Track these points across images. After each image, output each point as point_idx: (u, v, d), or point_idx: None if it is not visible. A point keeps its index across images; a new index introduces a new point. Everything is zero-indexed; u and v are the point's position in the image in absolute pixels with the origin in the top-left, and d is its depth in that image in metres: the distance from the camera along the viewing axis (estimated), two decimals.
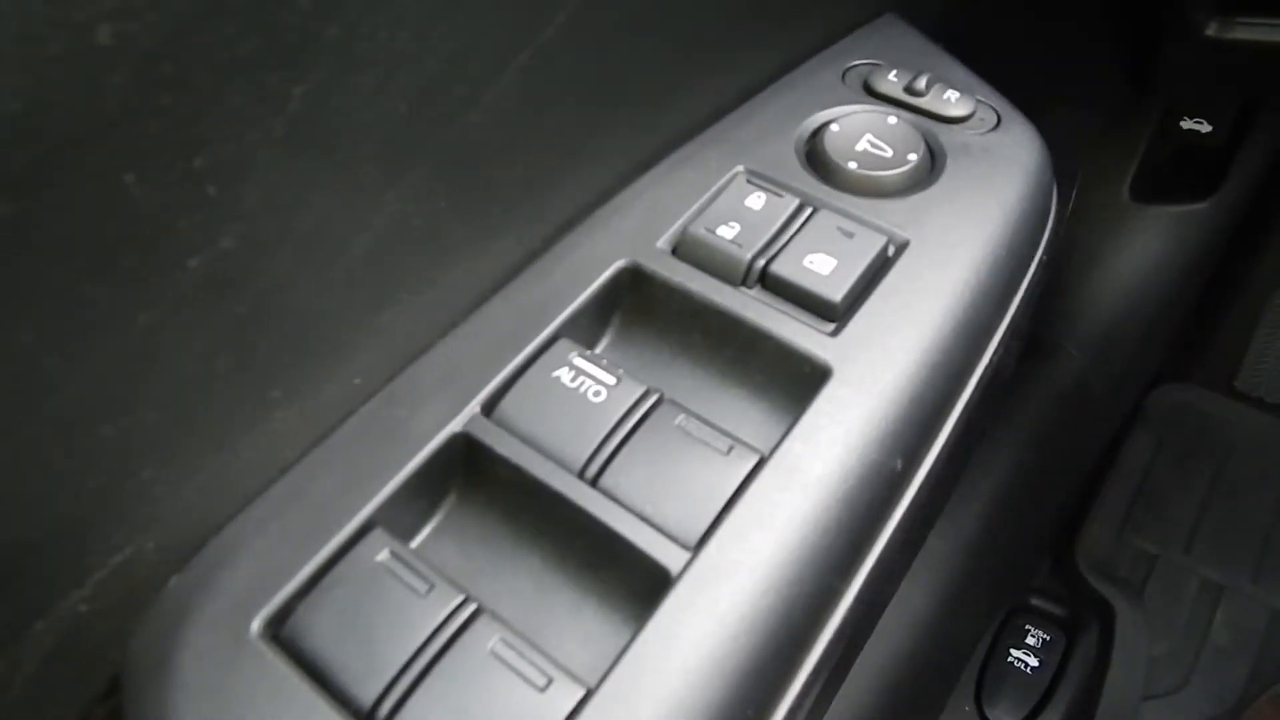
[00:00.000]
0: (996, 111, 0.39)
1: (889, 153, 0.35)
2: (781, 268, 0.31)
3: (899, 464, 0.29)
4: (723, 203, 0.34)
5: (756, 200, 0.34)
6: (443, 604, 0.24)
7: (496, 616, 0.24)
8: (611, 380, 0.29)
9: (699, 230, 0.32)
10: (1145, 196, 0.94)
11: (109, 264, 0.20)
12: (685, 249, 0.32)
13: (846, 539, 0.27)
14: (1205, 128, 0.90)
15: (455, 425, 0.28)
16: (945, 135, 0.37)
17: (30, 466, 0.21)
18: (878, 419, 0.28)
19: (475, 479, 0.28)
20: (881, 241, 0.32)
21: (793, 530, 0.26)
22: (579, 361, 0.29)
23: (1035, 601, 0.88)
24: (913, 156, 0.35)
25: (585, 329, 0.32)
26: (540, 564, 0.27)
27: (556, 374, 0.29)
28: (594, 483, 0.27)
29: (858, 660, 0.38)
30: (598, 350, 0.32)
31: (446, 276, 0.30)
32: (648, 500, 0.26)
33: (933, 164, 0.36)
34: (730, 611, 0.24)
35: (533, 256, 0.33)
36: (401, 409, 0.28)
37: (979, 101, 0.39)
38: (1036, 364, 0.92)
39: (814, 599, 0.26)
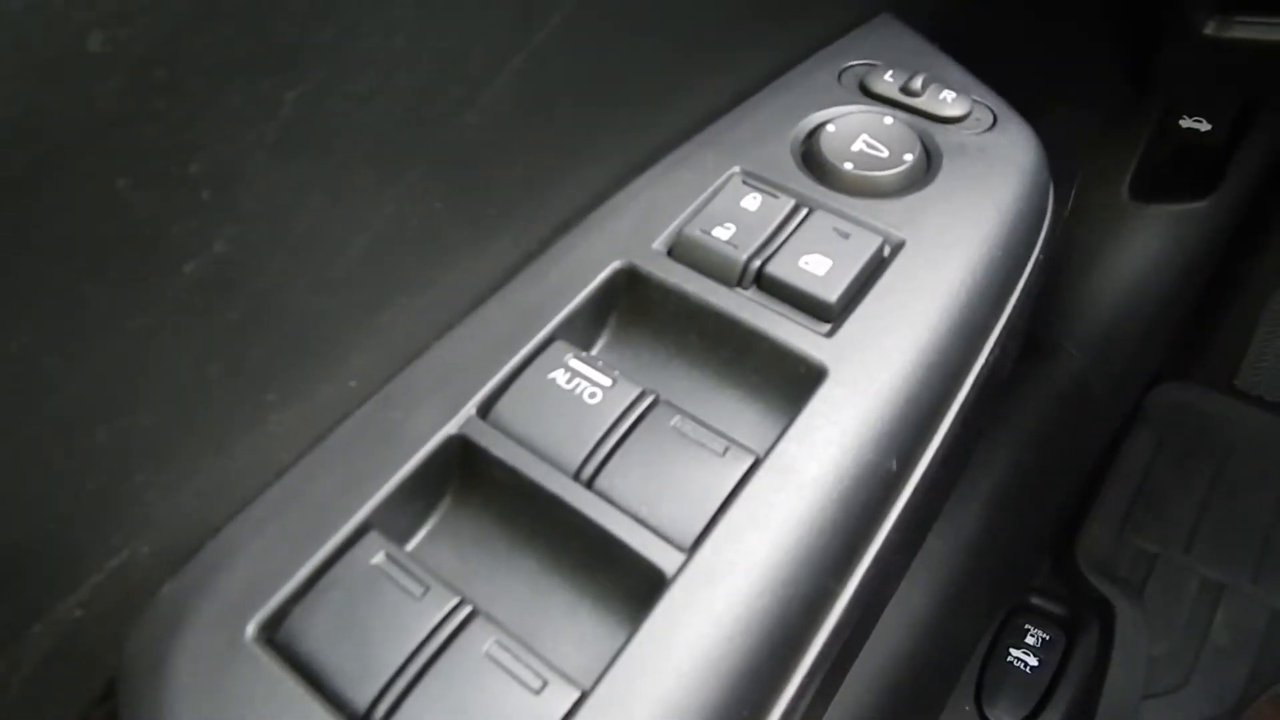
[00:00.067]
0: (993, 111, 0.39)
1: (885, 153, 0.35)
2: (777, 268, 0.31)
3: (894, 464, 0.29)
4: (718, 204, 0.34)
5: (752, 201, 0.34)
6: (438, 606, 0.24)
7: (492, 619, 0.24)
8: (607, 382, 0.29)
9: (695, 231, 0.32)
10: (1144, 195, 0.94)
11: (102, 268, 0.20)
12: (681, 250, 0.32)
13: (842, 540, 0.27)
14: (1204, 127, 0.90)
15: (451, 427, 0.28)
16: (941, 135, 0.37)
17: (25, 471, 0.21)
18: (873, 419, 0.28)
19: (471, 481, 0.28)
20: (877, 242, 0.32)
21: (788, 531, 0.26)
22: (575, 363, 0.29)
23: (1035, 601, 0.88)
24: (908, 157, 0.35)
25: (581, 330, 0.32)
26: (536, 566, 0.27)
27: (552, 376, 0.29)
28: (589, 484, 0.27)
29: (857, 660, 0.38)
30: (594, 352, 0.32)
31: (442, 279, 0.30)
32: (643, 502, 0.26)
33: (929, 164, 0.36)
34: (725, 613, 0.24)
35: (529, 258, 0.33)
36: (397, 411, 0.28)
37: (975, 101, 0.39)
38: (1036, 364, 0.92)
39: (809, 600, 0.26)
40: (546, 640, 0.25)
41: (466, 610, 0.24)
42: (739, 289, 0.31)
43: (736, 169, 0.35)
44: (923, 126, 0.37)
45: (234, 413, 0.25)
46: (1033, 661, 0.83)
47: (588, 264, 0.32)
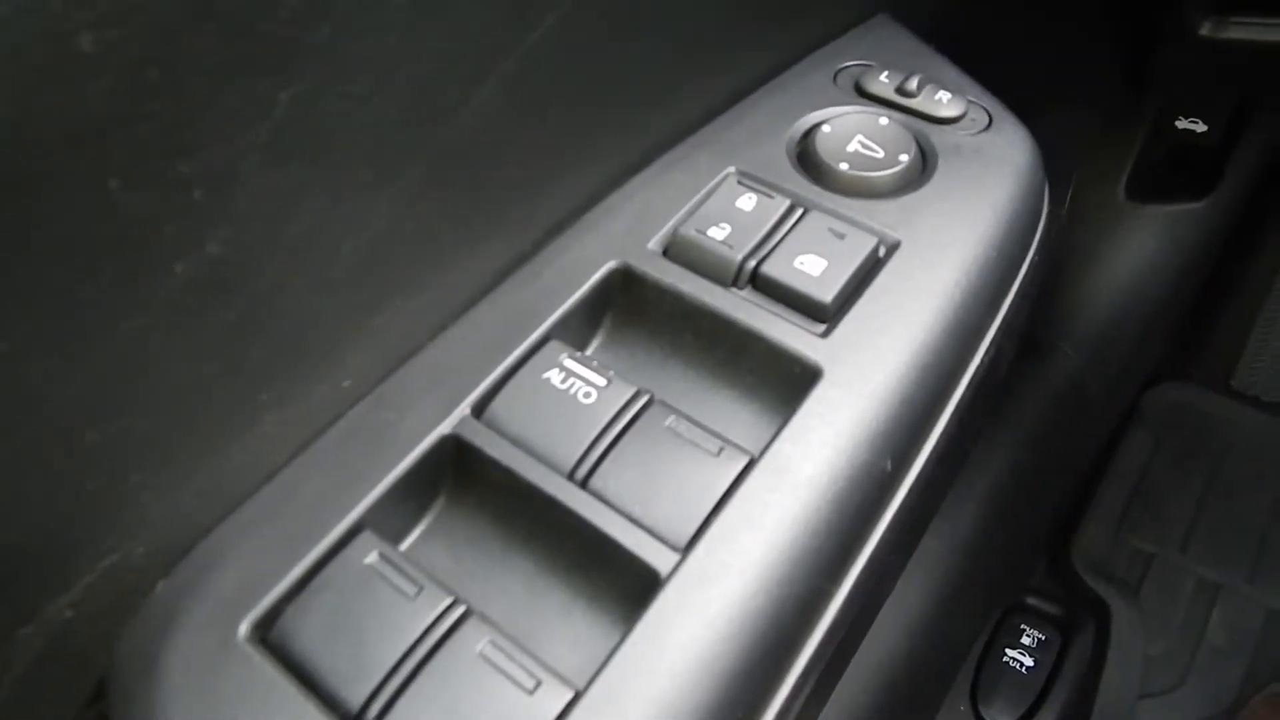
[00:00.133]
0: (988, 112, 0.39)
1: (880, 154, 0.35)
2: (772, 269, 0.31)
3: (890, 465, 0.29)
4: (714, 204, 0.34)
5: (747, 201, 0.34)
6: (432, 606, 0.24)
7: (485, 619, 0.24)
8: (602, 382, 0.29)
9: (690, 231, 0.32)
10: (1141, 196, 0.94)
11: (94, 269, 0.20)
12: (676, 250, 0.32)
13: (836, 540, 0.27)
14: (1200, 127, 0.90)
15: (445, 427, 0.28)
16: (937, 136, 0.37)
17: (18, 471, 0.21)
18: (868, 420, 0.28)
19: (465, 481, 0.28)
20: (872, 242, 0.32)
21: (783, 531, 0.26)
22: (569, 363, 0.29)
23: (1031, 601, 0.88)
24: (904, 157, 0.35)
25: (576, 330, 0.32)
26: (530, 566, 0.27)
27: (547, 375, 0.29)
28: (584, 484, 0.27)
29: (853, 660, 0.38)
30: (588, 352, 0.32)
31: (438, 280, 0.30)
32: (637, 502, 0.26)
33: (924, 165, 0.36)
34: (719, 613, 0.24)
35: (524, 259, 0.33)
36: (391, 411, 0.28)
37: (970, 102, 0.39)
38: (1032, 364, 0.92)
39: (804, 600, 0.26)
40: (540, 640, 0.25)
41: (460, 610, 0.24)
42: (734, 289, 0.31)
43: (732, 169, 0.35)
44: (918, 127, 0.37)
45: (229, 413, 0.25)
46: (1028, 661, 0.83)
47: (583, 264, 0.32)
